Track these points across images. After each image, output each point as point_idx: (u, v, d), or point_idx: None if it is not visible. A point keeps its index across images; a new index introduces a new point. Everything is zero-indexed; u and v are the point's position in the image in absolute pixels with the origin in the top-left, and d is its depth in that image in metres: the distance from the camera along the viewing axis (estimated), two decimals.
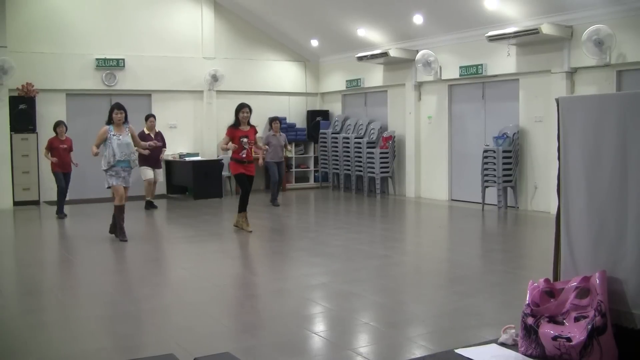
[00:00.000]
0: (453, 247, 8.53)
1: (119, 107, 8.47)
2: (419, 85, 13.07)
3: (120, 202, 8.45)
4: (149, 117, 11.98)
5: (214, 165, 13.51)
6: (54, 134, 10.86)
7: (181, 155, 13.83)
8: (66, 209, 11.11)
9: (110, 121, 8.44)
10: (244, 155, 8.87)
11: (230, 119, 14.64)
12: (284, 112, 15.42)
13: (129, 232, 8.59)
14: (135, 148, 8.76)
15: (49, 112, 12.67)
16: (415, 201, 12.76)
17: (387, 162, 13.34)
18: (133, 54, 13.65)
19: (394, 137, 13.47)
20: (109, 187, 8.54)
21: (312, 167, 15.71)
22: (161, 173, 12.41)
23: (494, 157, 10.79)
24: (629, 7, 8.94)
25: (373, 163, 13.33)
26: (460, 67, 11.85)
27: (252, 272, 7.09)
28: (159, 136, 11.81)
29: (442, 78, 12.33)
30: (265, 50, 15.25)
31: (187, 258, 7.76)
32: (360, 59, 13.41)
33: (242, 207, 9.07)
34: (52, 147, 10.75)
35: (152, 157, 11.20)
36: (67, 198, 11.35)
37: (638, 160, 3.68)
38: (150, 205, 11.77)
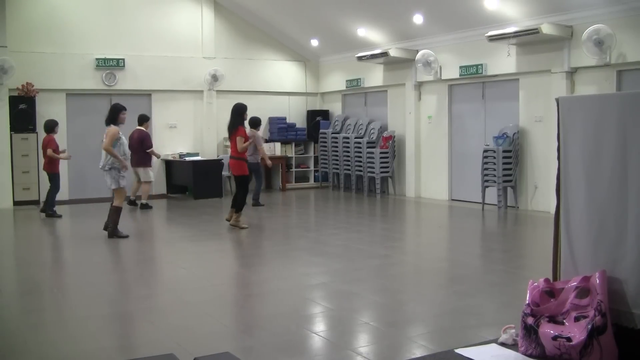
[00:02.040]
0: (453, 246, 8.53)
1: (124, 108, 8.65)
2: (419, 85, 13.07)
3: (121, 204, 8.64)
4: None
5: (214, 165, 13.50)
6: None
7: (181, 155, 13.82)
8: (65, 208, 11.11)
9: (115, 121, 8.47)
10: None
11: (228, 118, 14.75)
12: (284, 112, 15.42)
13: (129, 232, 8.78)
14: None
15: (49, 112, 12.64)
16: (415, 201, 12.76)
17: (387, 162, 13.34)
18: (133, 54, 13.64)
19: (394, 137, 13.46)
20: (115, 189, 8.48)
21: (312, 167, 15.70)
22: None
23: (494, 157, 10.79)
24: (629, 7, 8.94)
25: (373, 163, 13.32)
26: (460, 67, 11.85)
27: (252, 271, 7.09)
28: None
29: (442, 78, 12.33)
30: (265, 50, 15.24)
31: (187, 258, 7.75)
32: (360, 58, 13.41)
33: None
34: None
35: None
36: (67, 198, 11.32)
37: (638, 160, 3.68)
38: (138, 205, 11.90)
